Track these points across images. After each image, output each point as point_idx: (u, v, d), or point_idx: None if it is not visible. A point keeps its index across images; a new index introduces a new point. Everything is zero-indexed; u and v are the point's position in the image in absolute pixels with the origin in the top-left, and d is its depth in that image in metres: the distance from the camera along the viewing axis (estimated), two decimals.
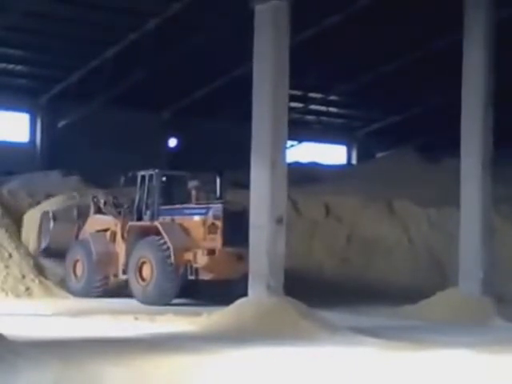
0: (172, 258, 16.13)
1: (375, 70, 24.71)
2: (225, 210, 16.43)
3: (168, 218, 16.89)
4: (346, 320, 13.12)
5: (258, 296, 12.48)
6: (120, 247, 17.27)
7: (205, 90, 25.04)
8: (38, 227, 18.29)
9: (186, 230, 16.59)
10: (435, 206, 20.16)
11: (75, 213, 18.25)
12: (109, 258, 17.28)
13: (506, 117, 20.56)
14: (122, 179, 17.70)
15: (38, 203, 19.84)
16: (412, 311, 14.82)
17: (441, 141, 21.94)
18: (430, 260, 19.36)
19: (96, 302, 16.19)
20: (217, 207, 16.51)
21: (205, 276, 16.31)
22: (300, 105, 28.03)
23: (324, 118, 30.75)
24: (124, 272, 17.06)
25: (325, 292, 16.29)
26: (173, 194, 17.45)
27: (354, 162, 32.02)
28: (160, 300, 16.11)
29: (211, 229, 16.35)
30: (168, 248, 16.22)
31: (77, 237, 18.03)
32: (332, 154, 31.96)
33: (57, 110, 25.41)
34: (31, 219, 18.82)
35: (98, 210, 17.98)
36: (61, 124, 25.62)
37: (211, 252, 16.19)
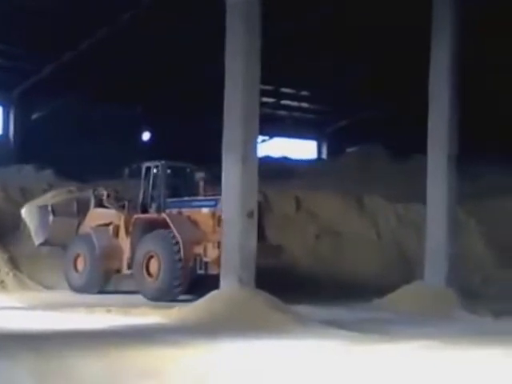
0: (181, 251, 15.55)
1: (346, 66, 24.95)
2: None
3: (175, 211, 16.34)
4: (316, 313, 13.27)
5: (230, 289, 12.63)
6: (124, 241, 16.82)
7: (179, 84, 25.12)
8: (36, 221, 17.80)
9: (194, 223, 16.01)
10: (403, 201, 20.44)
11: (75, 207, 17.90)
12: (112, 253, 16.84)
13: (472, 114, 20.99)
14: (126, 171, 17.29)
15: (10, 197, 19.67)
16: (380, 304, 15.07)
17: (409, 137, 22.21)
18: (398, 254, 19.62)
19: (71, 296, 16.12)
20: None
21: (214, 270, 15.31)
22: (272, 100, 28.21)
23: (295, 114, 30.94)
24: (129, 267, 16.57)
25: (295, 286, 16.39)
26: (178, 186, 16.94)
27: (324, 157, 32.30)
28: (168, 295, 15.57)
29: (221, 221, 15.61)
30: (177, 241, 15.65)
31: (77, 231, 17.65)
32: (303, 149, 32.20)
33: (30, 103, 25.34)
34: (29, 213, 18.23)
35: (99, 204, 17.57)
36: (34, 117, 25.57)
37: (220, 245, 15.16)
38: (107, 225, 17.23)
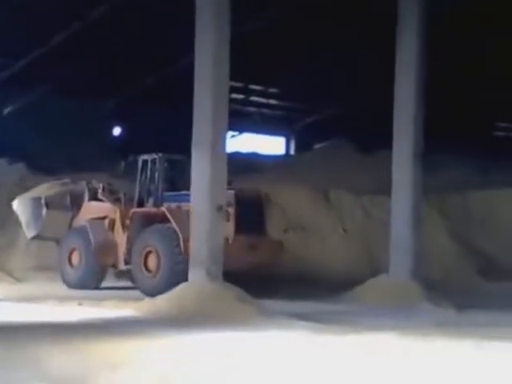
0: (181, 246, 14.94)
1: (313, 63, 25.13)
2: (237, 196, 15.43)
3: (174, 205, 15.73)
4: (282, 306, 13.43)
5: (198, 281, 12.81)
6: (119, 236, 16.37)
7: (151, 79, 25.10)
8: (28, 214, 17.30)
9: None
10: (369, 194, 20.69)
11: (68, 199, 17.37)
12: (108, 247, 16.40)
13: (437, 109, 21.32)
14: (123, 164, 16.94)
15: None
16: (346, 297, 15.21)
17: (375, 132, 22.48)
18: (364, 247, 19.82)
19: (42, 288, 15.95)
20: (228, 193, 15.05)
21: None
22: (241, 96, 28.34)
23: (264, 110, 31.08)
24: (126, 262, 16.11)
25: (263, 279, 16.47)
26: (176, 180, 16.36)
27: (292, 152, 32.49)
28: (167, 291, 14.63)
29: (224, 216, 14.78)
30: (177, 236, 15.08)
31: (70, 225, 17.18)
32: (271, 145, 32.37)
33: (2, 97, 25.16)
34: (21, 206, 17.68)
35: (93, 197, 17.09)
36: (6, 111, 25.42)
37: (224, 241, 14.67)
38: (102, 218, 16.77)
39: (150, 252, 15.55)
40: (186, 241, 14.43)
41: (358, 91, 26.67)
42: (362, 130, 27.47)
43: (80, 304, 13.30)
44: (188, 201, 15.16)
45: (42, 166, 21.52)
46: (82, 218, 16.97)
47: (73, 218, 17.23)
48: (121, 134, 27.14)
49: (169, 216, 15.42)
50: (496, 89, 26.33)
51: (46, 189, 17.79)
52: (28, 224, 17.28)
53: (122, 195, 16.72)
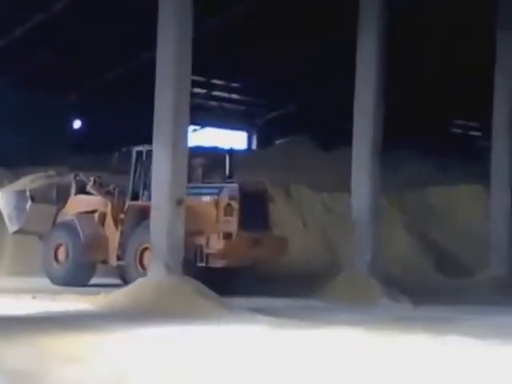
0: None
1: (276, 59, 25.18)
2: (241, 190, 14.90)
3: None
4: (244, 301, 13.41)
5: (157, 275, 12.74)
6: (111, 230, 15.64)
7: (113, 73, 24.96)
8: (11, 207, 16.55)
9: (193, 212, 14.48)
10: (329, 190, 20.80)
11: (54, 193, 16.64)
12: (98, 242, 15.65)
13: (396, 107, 21.53)
14: (116, 155, 16.24)
15: None
16: (307, 292, 15.23)
17: (336, 129, 22.64)
18: (324, 243, 19.97)
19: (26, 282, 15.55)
20: (232, 186, 14.91)
21: (216, 263, 14.55)
22: (203, 91, 28.31)
23: (226, 105, 31.08)
24: (119, 258, 15.40)
25: (225, 276, 16.46)
26: None
27: (254, 147, 32.55)
28: None
29: (226, 210, 14.74)
30: None
31: (55, 219, 16.41)
32: (233, 140, 32.37)
33: None
34: (4, 199, 16.92)
35: (81, 190, 16.39)
36: None
37: (228, 236, 14.55)
38: (91, 212, 16.09)
39: (146, 248, 14.60)
40: (189, 235, 13.88)
41: (319, 88, 26.80)
42: (324, 126, 27.63)
43: (34, 297, 13.13)
44: (188, 194, 14.39)
45: (2, 158, 21.24)
46: (69, 212, 16.25)
47: (58, 211, 16.54)
48: (81, 128, 26.93)
49: None
50: (453, 87, 26.62)
51: (30, 181, 17.14)
52: (10, 218, 16.61)
53: (112, 188, 16.10)
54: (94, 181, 16.21)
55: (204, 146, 28.15)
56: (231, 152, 15.75)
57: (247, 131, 32.91)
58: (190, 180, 15.14)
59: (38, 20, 21.03)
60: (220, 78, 28.43)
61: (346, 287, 15.16)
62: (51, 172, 17.61)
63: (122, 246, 15.40)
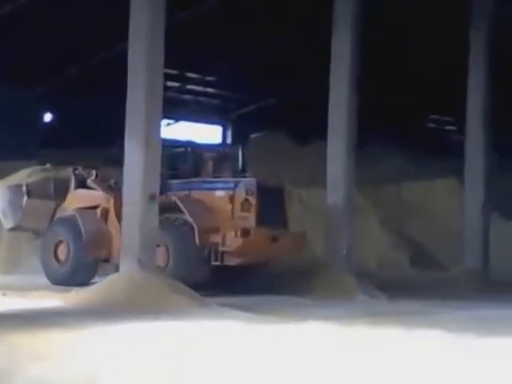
0: (197, 239, 13.76)
1: (251, 52, 25.08)
2: (259, 185, 14.32)
3: (182, 193, 14.39)
4: (222, 297, 13.35)
5: (129, 271, 12.63)
6: (114, 227, 14.77)
7: (83, 66, 24.72)
8: (6, 202, 15.75)
9: (207, 208, 14.12)
10: (305, 185, 20.78)
11: (52, 187, 15.86)
12: (101, 239, 14.84)
13: (372, 102, 21.51)
14: (115, 149, 15.03)
15: None
16: (282, 288, 15.18)
17: (311, 123, 22.60)
18: None
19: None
20: (249, 181, 14.32)
21: (232, 261, 13.97)
22: (177, 84, 28.13)
23: (201, 98, 30.94)
24: None
25: (238, 274, 16.06)
26: (177, 166, 15.04)
27: (229, 141, 32.43)
28: None
29: (243, 206, 14.12)
30: (191, 228, 13.85)
31: (53, 215, 15.61)
32: (208, 134, 32.22)
33: None
34: None
35: (80, 185, 15.64)
36: None
37: (245, 233, 13.93)
38: (92, 208, 15.32)
39: (157, 245, 13.83)
40: (203, 232, 13.50)
41: (295, 82, 26.74)
42: (299, 121, 27.56)
43: (4, 294, 12.91)
44: (200, 189, 14.48)
45: None
46: (69, 208, 15.47)
47: (56, 207, 15.72)
48: (52, 121, 26.65)
49: (181, 206, 14.13)
50: (428, 82, 26.67)
51: (25, 175, 16.51)
52: (5, 214, 15.81)
53: (112, 183, 15.40)
54: (96, 174, 15.60)
55: (178, 140, 28.05)
56: (244, 145, 15.28)
57: (222, 125, 32.79)
58: (198, 175, 15.01)
59: (4, 12, 20.74)
60: (194, 72, 28.27)
61: (321, 283, 15.12)
62: (47, 166, 17.01)
63: None
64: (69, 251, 15.13)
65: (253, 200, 14.12)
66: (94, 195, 15.49)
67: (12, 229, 15.96)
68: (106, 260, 15.13)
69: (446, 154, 26.42)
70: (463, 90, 19.02)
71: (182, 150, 15.42)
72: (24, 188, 15.62)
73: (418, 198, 21.39)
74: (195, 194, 14.49)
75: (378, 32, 21.12)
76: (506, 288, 17.24)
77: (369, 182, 19.97)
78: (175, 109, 26.33)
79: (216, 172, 15.17)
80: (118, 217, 14.61)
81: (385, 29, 22.34)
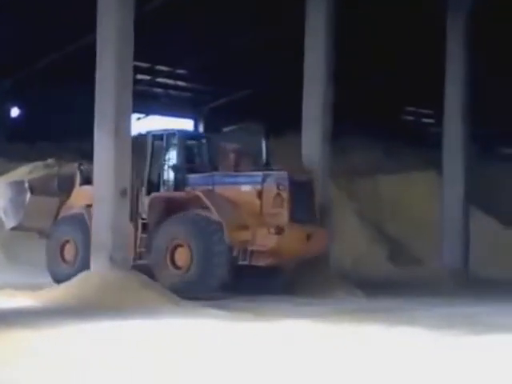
0: (226, 237, 13.00)
1: (222, 44, 24.88)
2: (290, 178, 13.51)
3: (204, 189, 13.55)
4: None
5: (102, 269, 12.43)
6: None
7: (51, 58, 24.35)
8: (7, 200, 15.06)
9: (232, 204, 13.36)
10: None
11: (56, 184, 15.16)
12: None
13: (348, 94, 21.36)
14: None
15: None
16: (259, 285, 15.03)
17: (285, 115, 22.46)
18: None
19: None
20: (281, 174, 13.48)
21: (262, 261, 13.21)
22: (147, 77, 27.85)
23: (172, 92, 30.70)
24: (140, 256, 13.76)
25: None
26: (193, 159, 14.34)
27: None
28: (203, 292, 12.92)
29: (275, 201, 13.24)
30: (219, 225, 13.06)
31: (57, 213, 14.94)
32: (180, 127, 31.97)
33: None
34: None
35: (86, 181, 14.78)
36: None
37: (279, 230, 13.15)
38: None
39: (179, 245, 13.47)
40: (232, 230, 12.84)
41: (268, 74, 26.58)
42: (272, 112, 27.40)
43: None
44: (223, 184, 13.68)
45: None
46: (74, 205, 14.74)
47: (61, 205, 15.03)
48: (20, 115, 26.23)
49: (207, 201, 13.29)
50: (406, 73, 26.60)
51: (27, 172, 15.76)
52: (6, 212, 15.07)
53: None
54: None
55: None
56: (267, 135, 14.35)
57: (194, 118, 32.58)
58: (216, 168, 14.32)
59: None
60: (165, 65, 28.01)
61: (299, 280, 14.84)
62: (50, 161, 16.31)
63: (145, 244, 13.86)
64: (77, 251, 14.42)
65: (285, 194, 13.28)
66: None
67: (14, 228, 15.22)
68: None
69: (423, 146, 26.37)
70: (441, 81, 18.89)
71: (197, 141, 14.66)
72: (26, 184, 14.85)
73: (395, 191, 21.26)
74: (218, 188, 13.65)
75: (354, 23, 21.02)
76: (486, 284, 17.18)
77: (344, 174, 19.78)
78: (146, 102, 26.09)
79: (237, 165, 14.33)
80: (131, 214, 13.77)
81: (360, 20, 22.24)
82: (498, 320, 11.46)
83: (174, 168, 14.03)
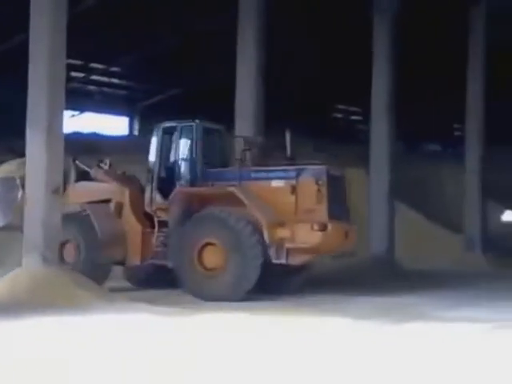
0: (266, 237, 12.32)
1: (157, 42, 24.86)
2: (328, 173, 12.85)
3: (233, 184, 12.83)
4: (133, 292, 13.28)
5: (33, 267, 12.29)
6: (130, 224, 13.44)
7: None
8: None
9: (265, 199, 12.67)
10: None
11: None
12: (117, 238, 13.40)
13: (279, 91, 21.56)
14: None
15: None
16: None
17: (219, 113, 22.56)
18: None
19: None
20: (319, 169, 12.80)
21: (299, 259, 12.64)
22: (81, 74, 27.65)
23: (106, 89, 30.51)
24: (156, 256, 13.19)
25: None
26: (211, 153, 13.61)
27: (136, 133, 32.10)
28: (236, 294, 12.34)
29: (312, 197, 12.53)
30: (256, 224, 12.39)
31: None
32: (114, 125, 31.81)
33: None
34: None
35: (82, 177, 14.25)
36: None
37: (322, 227, 12.45)
38: (102, 202, 13.83)
39: (208, 244, 12.70)
40: (271, 228, 12.21)
41: (203, 70, 26.65)
42: (206, 110, 27.47)
43: None
44: (250, 179, 13.01)
45: None
46: (70, 203, 13.73)
47: None
48: None
49: (243, 198, 12.50)
50: (335, 71, 26.95)
51: (16, 167, 14.62)
52: None
53: (120, 174, 14.12)
54: (110, 164, 14.13)
55: (82, 132, 27.58)
56: (290, 130, 13.53)
57: (128, 116, 32.45)
58: (227, 163, 13.80)
59: None
60: (99, 62, 27.84)
61: None
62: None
63: (162, 242, 13.28)
64: (78, 252, 13.62)
65: (324, 190, 12.61)
66: (104, 188, 14.03)
67: (4, 227, 14.34)
68: (122, 261, 13.78)
69: (353, 143, 26.77)
70: (369, 80, 19.23)
71: (215, 134, 14.02)
72: (18, 181, 13.88)
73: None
74: (246, 184, 12.94)
75: (284, 21, 21.22)
76: (410, 275, 17.63)
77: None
78: (80, 100, 25.92)
79: (255, 160, 13.80)
80: (136, 212, 13.53)
81: (290, 18, 22.46)
82: (424, 309, 11.76)
83: (192, 162, 13.33)
